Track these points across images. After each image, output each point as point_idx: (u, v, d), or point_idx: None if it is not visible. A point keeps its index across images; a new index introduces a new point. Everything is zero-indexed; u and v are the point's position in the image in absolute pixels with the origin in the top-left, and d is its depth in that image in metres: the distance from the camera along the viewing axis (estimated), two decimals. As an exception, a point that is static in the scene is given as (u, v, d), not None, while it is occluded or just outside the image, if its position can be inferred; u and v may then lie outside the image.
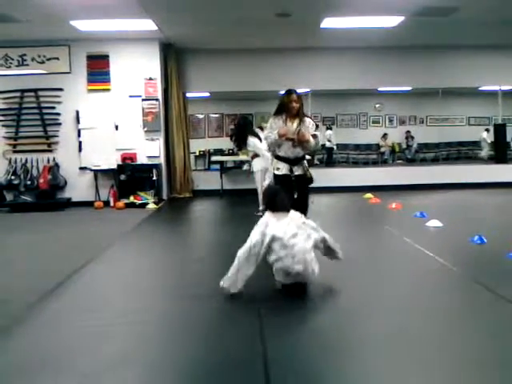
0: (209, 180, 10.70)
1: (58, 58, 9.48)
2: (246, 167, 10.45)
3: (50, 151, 9.66)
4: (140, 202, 9.42)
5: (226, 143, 14.40)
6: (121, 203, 9.35)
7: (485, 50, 10.59)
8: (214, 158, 12.06)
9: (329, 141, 15.46)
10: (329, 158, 15.48)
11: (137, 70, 9.68)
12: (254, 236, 3.71)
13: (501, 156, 11.96)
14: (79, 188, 9.69)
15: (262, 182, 7.79)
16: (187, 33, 9.19)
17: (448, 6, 7.60)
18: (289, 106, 4.92)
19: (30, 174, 9.56)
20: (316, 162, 13.83)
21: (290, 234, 3.67)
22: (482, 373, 2.61)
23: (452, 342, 2.99)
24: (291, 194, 4.72)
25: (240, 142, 8.04)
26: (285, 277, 3.72)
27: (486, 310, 3.56)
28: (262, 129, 9.41)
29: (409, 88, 12.96)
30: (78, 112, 9.62)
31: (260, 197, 7.76)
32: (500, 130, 12.00)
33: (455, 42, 10.17)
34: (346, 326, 3.27)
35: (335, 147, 15.84)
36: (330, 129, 15.86)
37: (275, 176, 5.01)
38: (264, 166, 7.78)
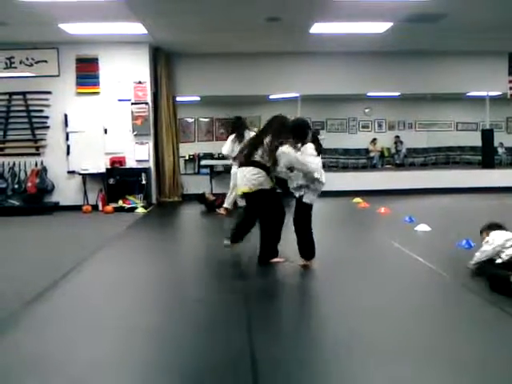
0: (198, 184, 10.66)
1: (46, 61, 9.41)
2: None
3: (38, 155, 9.57)
4: (129, 206, 9.36)
5: (215, 147, 14.38)
6: (109, 207, 9.29)
7: (472, 56, 10.70)
8: (203, 162, 12.03)
9: None
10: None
11: (126, 74, 9.64)
12: None
13: (488, 161, 12.06)
14: (67, 192, 9.62)
15: None
16: (177, 37, 9.18)
17: (436, 13, 7.66)
18: None
19: (18, 178, 9.46)
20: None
21: None
22: (467, 374, 2.62)
23: (438, 344, 3.00)
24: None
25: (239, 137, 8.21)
26: None
27: (472, 313, 3.59)
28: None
29: (398, 93, 13.06)
30: (66, 115, 9.55)
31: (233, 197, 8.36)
32: (487, 135, 12.11)
33: (443, 48, 10.25)
34: (333, 329, 3.27)
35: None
36: (318, 134, 15.82)
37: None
38: None
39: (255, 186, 4.75)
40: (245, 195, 4.92)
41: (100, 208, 9.42)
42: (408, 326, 3.33)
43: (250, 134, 7.96)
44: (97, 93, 9.59)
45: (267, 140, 4.77)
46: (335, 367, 2.75)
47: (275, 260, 4.84)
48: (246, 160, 4.86)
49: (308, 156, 4.56)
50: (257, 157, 4.79)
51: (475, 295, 3.87)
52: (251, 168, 4.78)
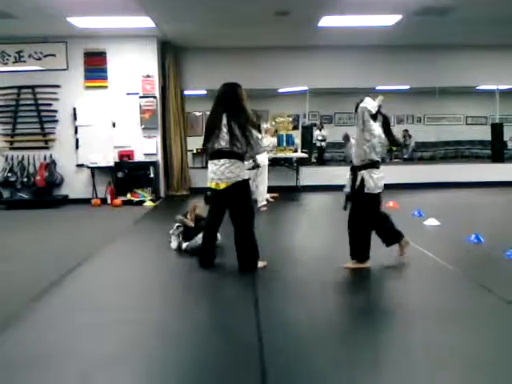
0: (206, 178, 10.63)
1: (54, 55, 9.43)
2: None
3: (47, 148, 9.63)
4: (137, 199, 9.40)
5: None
6: (118, 201, 9.33)
7: (482, 49, 10.58)
8: (211, 156, 12.00)
9: (321, 141, 15.41)
10: (320, 157, 15.45)
11: (134, 68, 9.65)
12: None
13: (498, 155, 11.99)
14: (76, 185, 9.67)
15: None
16: (185, 30, 9.16)
17: (445, 6, 7.59)
18: None
19: (27, 171, 9.53)
20: (313, 160, 13.83)
21: None
22: (476, 372, 2.61)
23: (445, 340, 2.99)
24: None
25: None
26: None
27: (482, 308, 3.57)
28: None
29: (407, 87, 12.96)
30: (75, 109, 9.59)
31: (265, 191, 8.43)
32: (497, 129, 12.02)
33: (453, 41, 10.16)
34: (337, 329, 3.27)
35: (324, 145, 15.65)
36: (321, 129, 15.72)
37: None
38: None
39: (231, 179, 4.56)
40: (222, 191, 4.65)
41: (109, 201, 9.46)
42: (414, 320, 3.32)
43: (263, 127, 8.00)
44: (105, 86, 9.61)
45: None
46: (343, 370, 2.75)
47: (262, 264, 4.53)
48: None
49: None
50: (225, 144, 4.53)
51: (484, 290, 3.85)
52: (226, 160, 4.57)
